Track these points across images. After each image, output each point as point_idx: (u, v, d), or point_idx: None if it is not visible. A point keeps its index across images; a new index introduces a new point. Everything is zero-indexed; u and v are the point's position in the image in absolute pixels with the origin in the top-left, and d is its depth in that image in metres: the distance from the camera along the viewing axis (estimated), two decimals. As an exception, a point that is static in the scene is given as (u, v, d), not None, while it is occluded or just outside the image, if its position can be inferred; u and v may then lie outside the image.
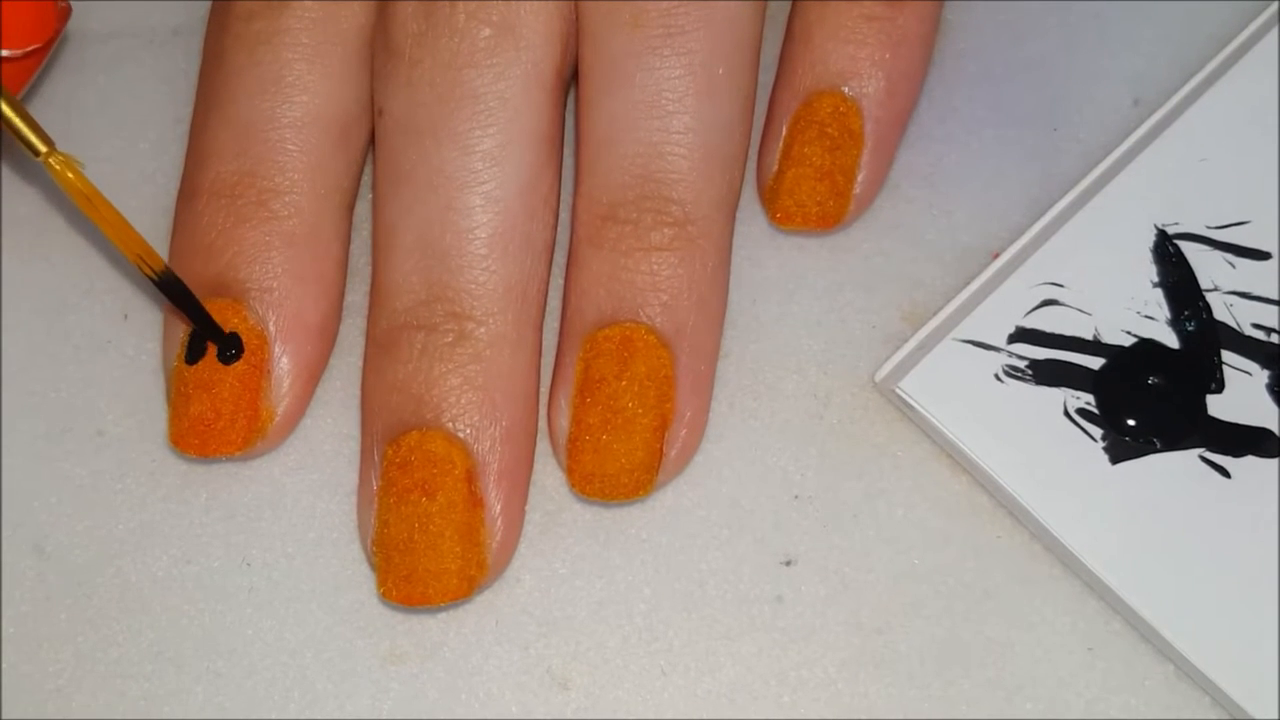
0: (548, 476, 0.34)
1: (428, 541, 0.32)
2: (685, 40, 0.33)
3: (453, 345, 0.32)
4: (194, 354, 0.33)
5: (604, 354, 0.33)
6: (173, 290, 0.32)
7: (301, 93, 0.34)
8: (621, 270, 0.33)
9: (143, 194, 0.37)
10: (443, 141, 0.32)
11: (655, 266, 0.33)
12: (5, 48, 0.31)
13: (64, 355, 0.36)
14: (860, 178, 0.35)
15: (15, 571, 0.34)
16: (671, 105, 0.33)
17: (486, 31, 0.32)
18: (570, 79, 0.35)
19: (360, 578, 0.34)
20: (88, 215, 0.31)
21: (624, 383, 0.32)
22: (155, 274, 0.32)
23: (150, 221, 0.36)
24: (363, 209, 0.36)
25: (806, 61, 0.35)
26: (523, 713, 0.33)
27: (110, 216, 0.31)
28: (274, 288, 0.33)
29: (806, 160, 0.34)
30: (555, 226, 0.34)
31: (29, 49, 0.31)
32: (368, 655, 0.33)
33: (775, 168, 0.35)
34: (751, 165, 0.36)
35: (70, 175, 0.30)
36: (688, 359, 0.33)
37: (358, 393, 0.35)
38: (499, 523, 0.32)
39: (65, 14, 0.33)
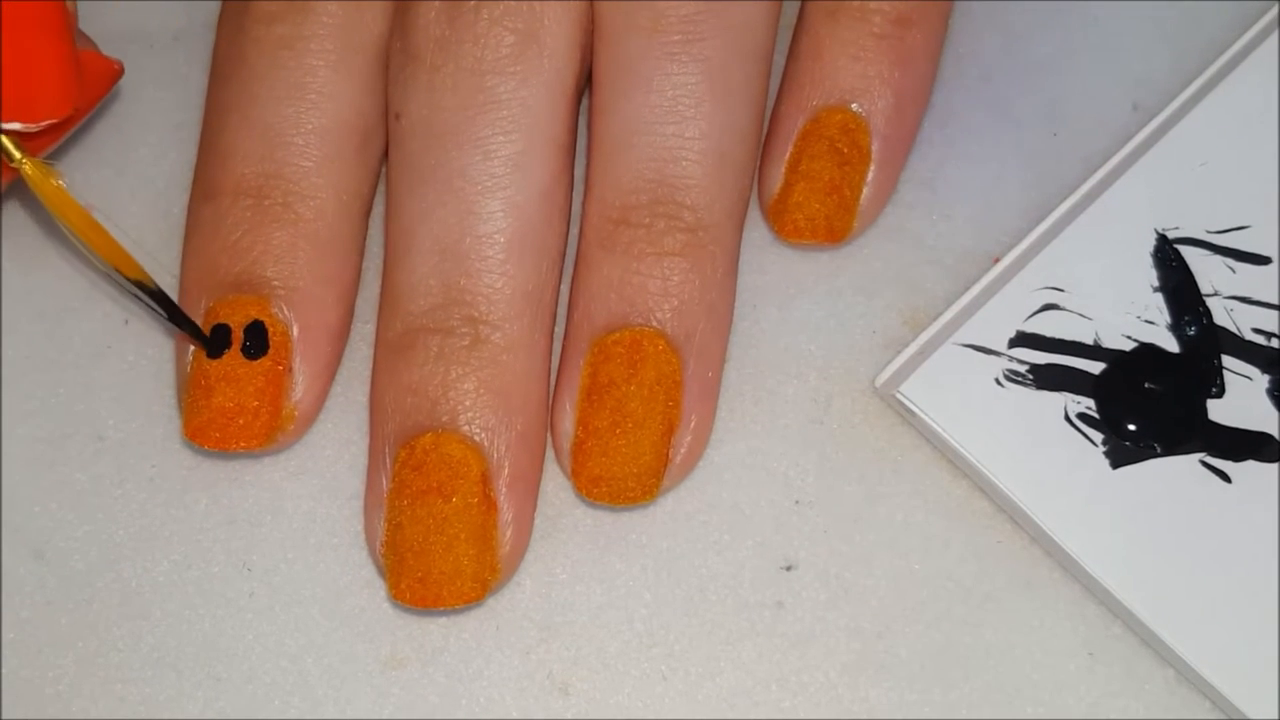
0: (548, 481, 0.34)
1: (444, 544, 0.32)
2: (703, 47, 0.33)
3: (469, 349, 0.32)
4: (216, 348, 0.33)
5: (613, 358, 0.33)
6: (154, 294, 0.32)
7: (327, 99, 0.34)
8: (633, 275, 0.33)
9: (142, 198, 0.37)
10: (464, 145, 0.33)
11: (667, 271, 0.33)
12: (13, 120, 0.30)
13: (64, 361, 0.35)
14: (866, 194, 0.35)
15: (15, 577, 0.34)
16: (688, 111, 0.33)
17: (510, 38, 0.33)
18: (585, 85, 0.35)
19: (361, 582, 0.34)
20: (68, 227, 0.31)
21: (633, 387, 0.32)
22: (138, 284, 0.32)
23: (150, 226, 0.36)
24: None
25: (815, 78, 0.35)
26: (523, 717, 0.33)
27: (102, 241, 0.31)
28: (299, 287, 0.33)
29: (816, 175, 0.34)
30: (567, 234, 0.34)
31: (42, 124, 0.30)
32: (368, 660, 0.33)
33: (781, 182, 0.35)
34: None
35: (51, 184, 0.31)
36: (696, 365, 0.33)
37: (358, 398, 0.35)
38: (511, 526, 0.32)
39: (110, 77, 0.32)
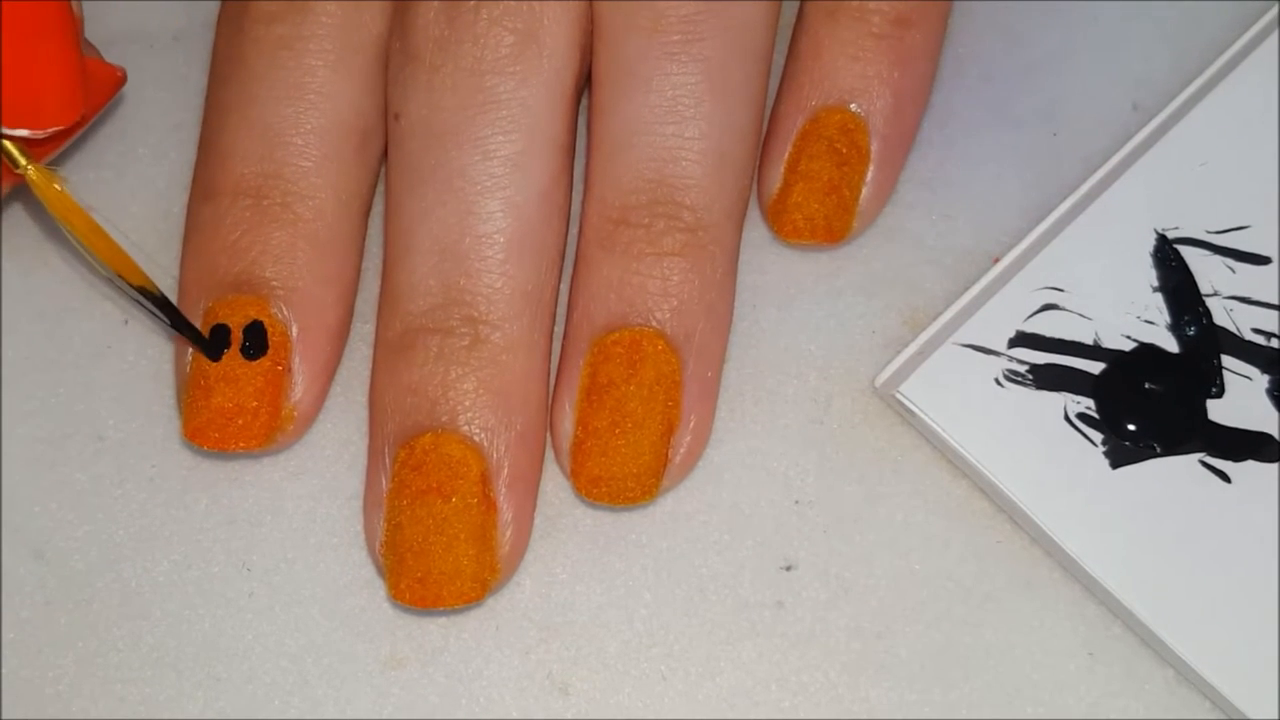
0: (547, 481, 0.34)
1: (444, 544, 0.32)
2: (703, 47, 0.33)
3: (469, 349, 0.32)
4: (216, 349, 0.33)
5: (613, 358, 0.33)
6: (157, 300, 0.32)
7: (326, 99, 0.34)
8: (632, 275, 0.33)
9: (142, 199, 0.37)
10: (464, 145, 0.33)
11: (667, 271, 0.33)
12: (20, 126, 0.30)
13: (64, 361, 0.35)
14: (865, 194, 0.35)
15: (15, 577, 0.34)
16: (688, 111, 0.33)
17: (510, 39, 0.33)
18: (585, 85, 0.35)
19: (360, 582, 0.34)
20: (72, 232, 0.31)
21: (632, 387, 0.33)
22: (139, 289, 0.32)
23: (150, 227, 0.36)
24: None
25: (814, 78, 0.35)
26: (523, 717, 0.33)
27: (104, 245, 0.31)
28: (299, 288, 0.33)
29: (815, 175, 0.34)
30: (566, 234, 0.34)
31: (49, 131, 0.30)
32: (368, 660, 0.33)
33: (780, 182, 0.35)
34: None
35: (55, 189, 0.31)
36: (695, 365, 0.33)
37: (358, 398, 0.35)
38: (511, 526, 0.32)
39: (113, 84, 0.32)
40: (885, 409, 0.35)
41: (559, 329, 0.34)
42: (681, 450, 0.33)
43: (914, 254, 0.36)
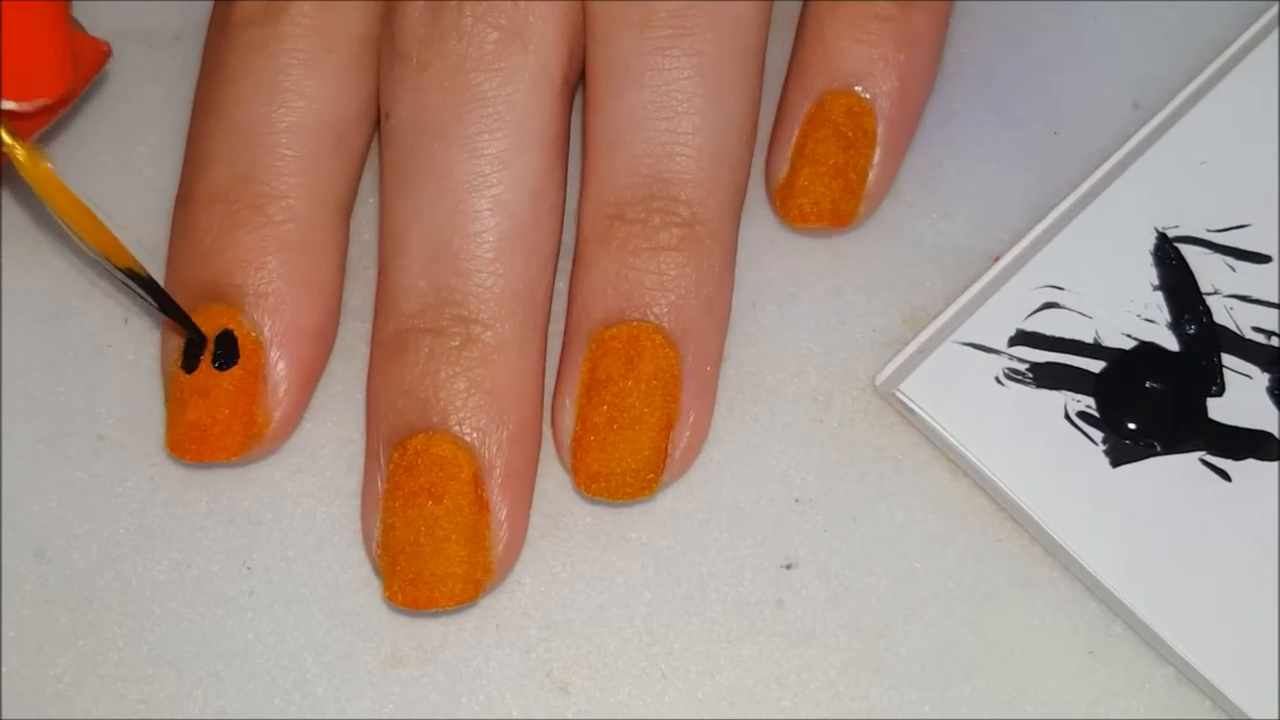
0: (548, 479, 0.34)
1: (434, 545, 0.32)
2: (694, 41, 0.33)
3: (460, 349, 0.32)
4: (190, 360, 0.33)
5: (611, 353, 0.33)
6: (144, 283, 0.32)
7: (298, 98, 0.34)
8: (629, 270, 0.33)
9: (141, 199, 0.37)
10: (451, 144, 0.33)
11: (663, 266, 0.33)
12: (5, 98, 0.30)
13: (64, 360, 0.36)
14: (871, 177, 0.35)
15: (15, 575, 0.34)
16: (681, 106, 0.33)
17: (494, 35, 0.33)
18: (577, 83, 0.35)
19: (360, 581, 0.34)
20: (58, 213, 0.31)
21: (631, 382, 0.32)
22: (121, 270, 0.32)
23: (148, 227, 0.36)
24: (362, 213, 0.36)
25: (819, 62, 0.35)
26: (523, 716, 0.33)
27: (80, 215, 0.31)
28: (269, 292, 0.33)
29: (821, 158, 0.34)
30: (560, 232, 0.34)
31: (36, 104, 0.30)
32: (368, 658, 0.33)
33: (787, 167, 0.35)
34: (758, 166, 0.36)
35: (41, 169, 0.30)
36: (694, 359, 0.33)
37: (358, 397, 0.35)
38: (505, 526, 0.32)
39: (99, 58, 0.32)
40: (885, 407, 0.35)
41: (558, 327, 0.34)
42: (681, 445, 0.33)
43: (914, 253, 0.36)
